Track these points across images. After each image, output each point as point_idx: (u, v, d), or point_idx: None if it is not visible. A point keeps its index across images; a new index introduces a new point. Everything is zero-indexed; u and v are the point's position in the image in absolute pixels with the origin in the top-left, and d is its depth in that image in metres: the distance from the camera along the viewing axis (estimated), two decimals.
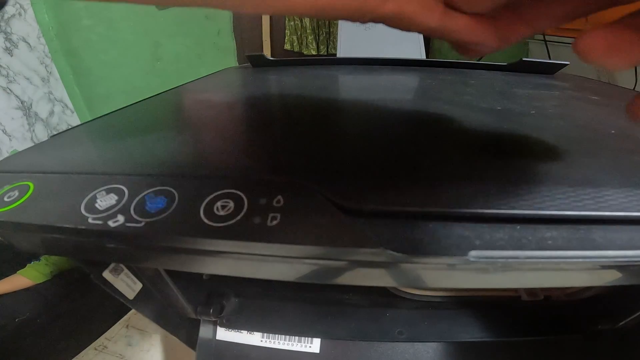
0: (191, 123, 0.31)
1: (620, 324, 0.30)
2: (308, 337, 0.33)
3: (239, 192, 0.17)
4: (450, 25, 0.15)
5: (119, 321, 0.50)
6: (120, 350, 0.45)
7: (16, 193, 0.18)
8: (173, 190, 0.17)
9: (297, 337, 0.33)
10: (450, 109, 0.29)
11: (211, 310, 0.33)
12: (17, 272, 0.69)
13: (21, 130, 0.94)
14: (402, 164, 0.19)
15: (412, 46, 0.60)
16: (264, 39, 1.34)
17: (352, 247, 0.14)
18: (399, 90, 0.41)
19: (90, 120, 0.30)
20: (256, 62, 0.52)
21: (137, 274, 0.28)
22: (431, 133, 0.25)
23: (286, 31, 1.38)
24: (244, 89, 0.44)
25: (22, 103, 0.94)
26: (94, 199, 0.17)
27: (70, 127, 0.36)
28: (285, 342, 0.33)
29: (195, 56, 1.24)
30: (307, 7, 0.13)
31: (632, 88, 0.75)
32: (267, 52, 1.32)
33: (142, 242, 0.16)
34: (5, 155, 0.71)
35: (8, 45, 0.89)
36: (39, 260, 0.72)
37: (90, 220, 0.16)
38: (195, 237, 0.15)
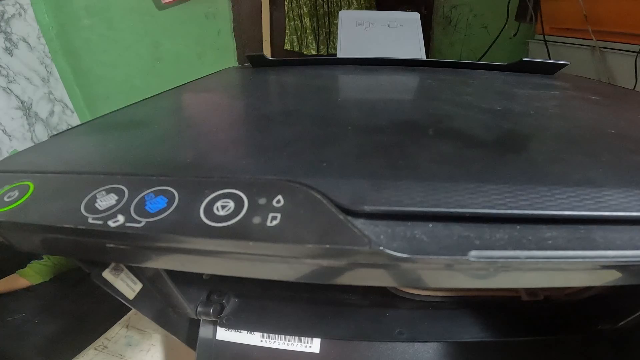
0: (191, 123, 0.31)
1: (620, 324, 0.30)
2: (308, 337, 0.33)
3: (239, 192, 0.17)
4: None
5: (119, 321, 0.50)
6: (120, 350, 0.45)
7: (16, 193, 0.18)
8: (173, 190, 0.17)
9: (297, 337, 0.33)
10: (450, 109, 0.29)
11: (211, 310, 0.32)
12: (16, 272, 0.69)
13: (21, 130, 0.94)
14: (402, 164, 0.19)
15: (412, 46, 0.60)
16: (264, 39, 1.33)
17: (352, 247, 0.14)
18: (399, 91, 0.41)
19: (90, 120, 0.30)
20: (256, 62, 0.52)
21: (137, 274, 0.28)
22: (431, 133, 0.25)
23: (286, 31, 1.38)
24: (244, 89, 0.44)
25: (22, 103, 0.94)
26: (94, 199, 0.17)
27: (70, 127, 0.36)
28: (285, 342, 0.33)
29: (195, 56, 1.23)
30: None
31: (632, 88, 0.75)
32: (267, 52, 1.32)
33: (142, 242, 0.16)
34: (5, 155, 0.71)
35: (8, 45, 0.89)
36: (42, 259, 0.72)
37: (90, 220, 0.16)
38: (195, 237, 0.15)
